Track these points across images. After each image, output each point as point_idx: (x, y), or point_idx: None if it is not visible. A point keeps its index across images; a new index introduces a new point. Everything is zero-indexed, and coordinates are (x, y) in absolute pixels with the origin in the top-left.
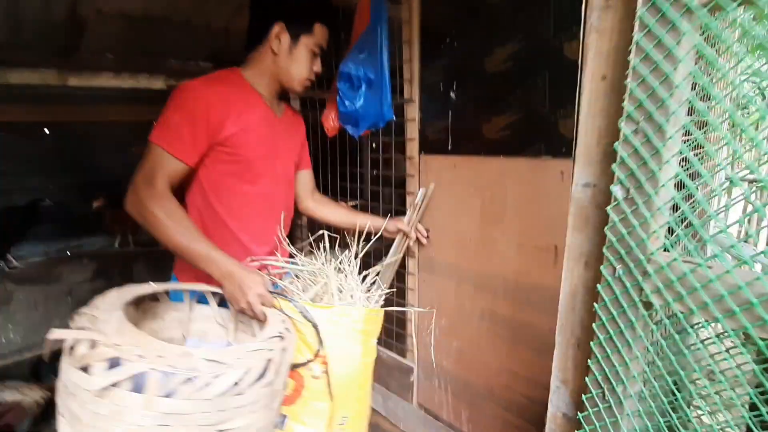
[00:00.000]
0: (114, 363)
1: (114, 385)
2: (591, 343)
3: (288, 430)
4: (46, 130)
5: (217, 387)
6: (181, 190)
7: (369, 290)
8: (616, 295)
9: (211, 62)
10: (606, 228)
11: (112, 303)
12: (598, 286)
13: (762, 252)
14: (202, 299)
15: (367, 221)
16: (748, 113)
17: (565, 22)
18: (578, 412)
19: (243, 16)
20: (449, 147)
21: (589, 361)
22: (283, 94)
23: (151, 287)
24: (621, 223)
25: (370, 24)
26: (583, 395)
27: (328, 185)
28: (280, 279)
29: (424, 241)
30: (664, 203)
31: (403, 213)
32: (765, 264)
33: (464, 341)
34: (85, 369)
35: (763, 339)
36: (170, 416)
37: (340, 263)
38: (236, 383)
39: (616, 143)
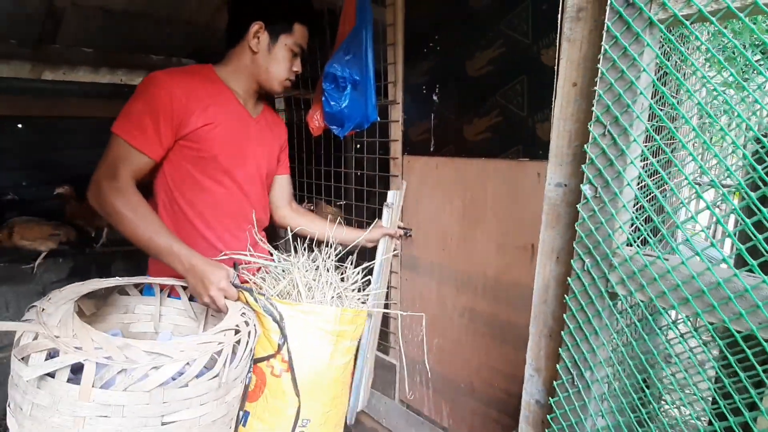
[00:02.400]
0: (53, 354)
1: (51, 375)
2: (562, 332)
3: (249, 427)
4: (19, 125)
5: (155, 378)
6: (150, 183)
7: (360, 290)
8: (585, 286)
9: (193, 59)
10: (576, 224)
11: (65, 296)
12: (569, 278)
13: (711, 245)
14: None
15: (349, 234)
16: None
17: (543, 29)
18: (550, 398)
19: (226, 12)
20: (431, 148)
21: (560, 349)
22: (268, 97)
23: (114, 281)
24: (589, 220)
25: (356, 26)
26: (554, 382)
27: (313, 185)
28: (254, 274)
29: (400, 233)
30: (628, 201)
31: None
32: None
33: (445, 338)
34: (25, 360)
35: (711, 323)
36: (108, 407)
37: (313, 261)
38: (178, 375)
39: (586, 145)
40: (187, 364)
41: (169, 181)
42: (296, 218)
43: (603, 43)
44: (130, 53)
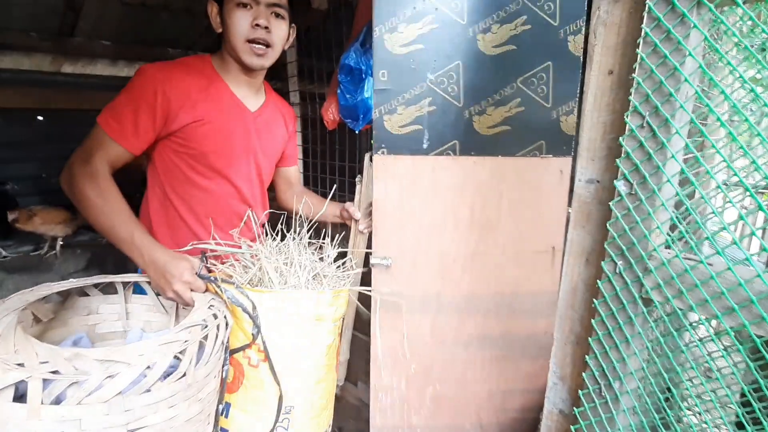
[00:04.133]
0: None
1: None
2: (589, 339)
3: (231, 419)
4: (39, 117)
5: (111, 388)
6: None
7: (339, 267)
8: (617, 291)
9: (212, 53)
10: (608, 223)
11: (8, 307)
12: (599, 282)
13: (764, 249)
14: (139, 289)
15: (318, 206)
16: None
17: (569, 15)
18: (575, 408)
19: None
20: (424, 145)
21: (587, 357)
22: (280, 87)
23: (68, 283)
24: (623, 219)
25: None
26: (579, 391)
27: (327, 179)
28: (222, 263)
29: (362, 228)
30: (667, 199)
31: None
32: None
33: (444, 383)
34: None
35: (759, 336)
36: (64, 422)
37: (283, 245)
38: (137, 382)
39: (621, 137)
40: (148, 367)
41: (161, 176)
42: (290, 201)
43: (643, 25)
44: (148, 46)
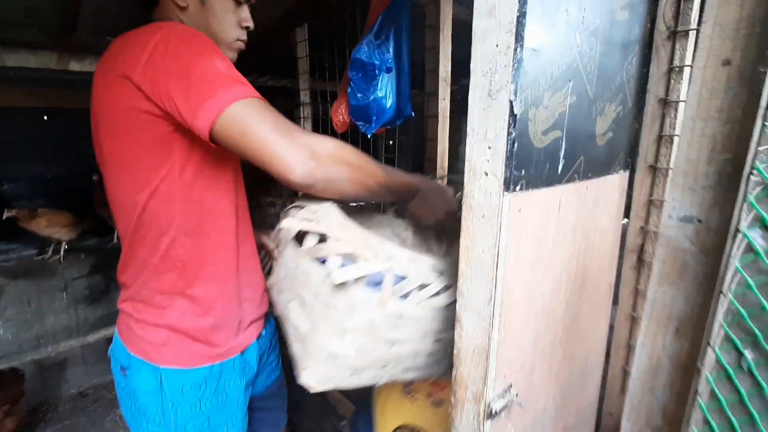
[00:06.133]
0: (347, 259)
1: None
2: None
3: None
4: (45, 117)
5: (445, 298)
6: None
7: None
8: (741, 394)
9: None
10: (730, 291)
11: (326, 207)
12: (708, 374)
13: None
14: None
15: None
16: None
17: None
18: None
19: None
20: (559, 167)
21: None
22: (291, 85)
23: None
24: (761, 290)
25: (390, 6)
26: None
27: None
28: None
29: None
30: None
31: None
32: None
33: None
34: (322, 262)
35: None
36: (400, 319)
37: None
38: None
39: (760, 162)
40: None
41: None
42: None
43: None
44: None
